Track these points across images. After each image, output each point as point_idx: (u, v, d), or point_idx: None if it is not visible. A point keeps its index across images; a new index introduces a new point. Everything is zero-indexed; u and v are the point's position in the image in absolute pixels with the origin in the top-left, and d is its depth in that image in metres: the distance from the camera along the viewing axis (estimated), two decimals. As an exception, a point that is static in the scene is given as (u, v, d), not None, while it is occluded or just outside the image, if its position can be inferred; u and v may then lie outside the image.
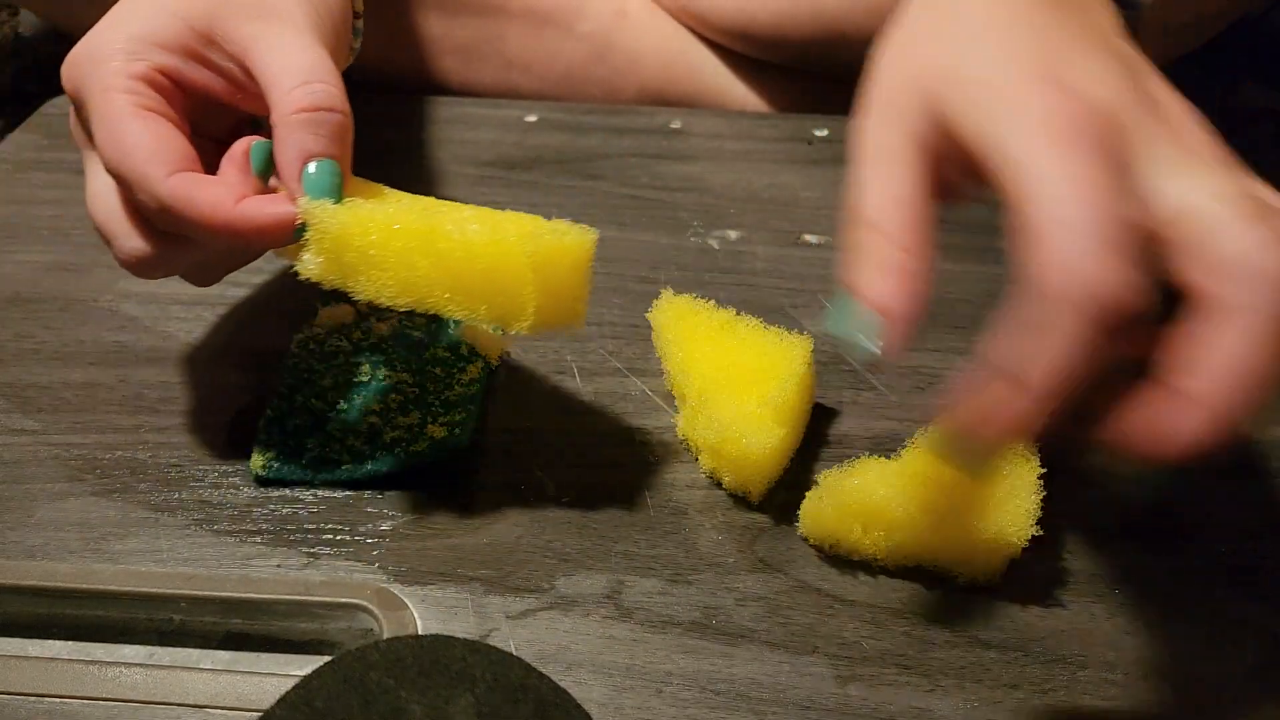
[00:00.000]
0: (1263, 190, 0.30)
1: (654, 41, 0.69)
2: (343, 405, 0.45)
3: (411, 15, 0.67)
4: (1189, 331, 0.28)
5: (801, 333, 0.44)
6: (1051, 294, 0.27)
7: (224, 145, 0.40)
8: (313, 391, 0.46)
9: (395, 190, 0.41)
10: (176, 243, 0.39)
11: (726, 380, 0.42)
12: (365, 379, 0.46)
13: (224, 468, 0.44)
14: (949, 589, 0.41)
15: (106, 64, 0.39)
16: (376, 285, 0.38)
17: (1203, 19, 0.64)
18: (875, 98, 0.34)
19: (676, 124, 0.67)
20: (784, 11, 0.66)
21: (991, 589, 0.40)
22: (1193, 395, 0.27)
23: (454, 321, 0.49)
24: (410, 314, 0.49)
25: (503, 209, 0.40)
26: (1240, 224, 0.28)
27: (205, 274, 0.42)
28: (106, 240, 0.40)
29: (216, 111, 0.42)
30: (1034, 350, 0.28)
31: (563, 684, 0.32)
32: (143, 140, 0.37)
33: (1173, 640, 0.39)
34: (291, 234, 0.38)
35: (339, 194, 0.38)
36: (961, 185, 0.34)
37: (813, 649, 0.39)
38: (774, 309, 0.52)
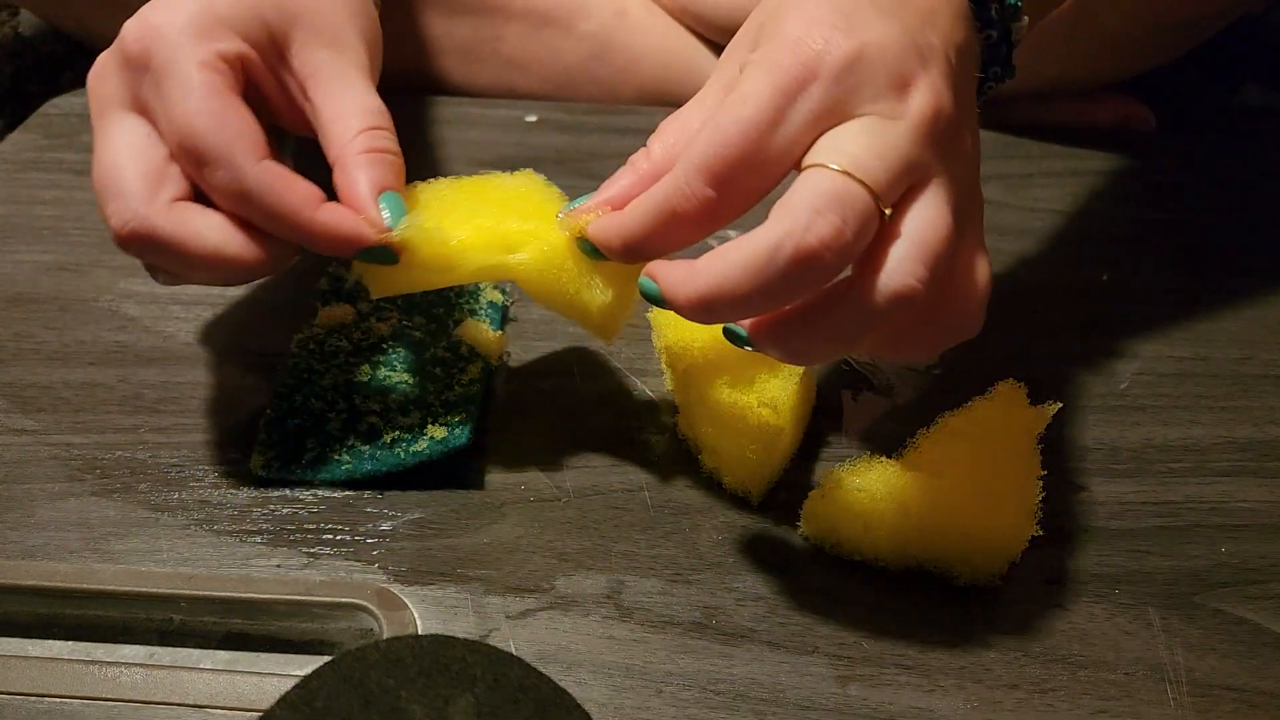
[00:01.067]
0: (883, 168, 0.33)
1: (654, 41, 0.69)
2: (343, 405, 0.45)
3: (411, 15, 0.67)
4: None
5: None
6: None
7: None
8: (313, 391, 0.46)
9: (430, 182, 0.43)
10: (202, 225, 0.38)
11: (726, 380, 0.42)
12: (365, 379, 0.46)
13: (224, 468, 0.44)
14: (949, 589, 0.41)
15: (192, 36, 0.38)
16: (469, 273, 0.41)
17: (1203, 19, 0.64)
18: None
19: (676, 124, 0.67)
20: None
21: (991, 589, 0.40)
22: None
23: (454, 321, 0.49)
24: (410, 314, 0.50)
25: None
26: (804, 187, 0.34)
27: (176, 278, 0.41)
28: (108, 202, 0.38)
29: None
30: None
31: (563, 684, 0.32)
32: (237, 120, 0.38)
33: (1173, 640, 0.39)
34: (357, 249, 0.39)
35: (405, 216, 0.40)
36: None
37: (813, 649, 0.39)
38: (774, 309, 0.52)
